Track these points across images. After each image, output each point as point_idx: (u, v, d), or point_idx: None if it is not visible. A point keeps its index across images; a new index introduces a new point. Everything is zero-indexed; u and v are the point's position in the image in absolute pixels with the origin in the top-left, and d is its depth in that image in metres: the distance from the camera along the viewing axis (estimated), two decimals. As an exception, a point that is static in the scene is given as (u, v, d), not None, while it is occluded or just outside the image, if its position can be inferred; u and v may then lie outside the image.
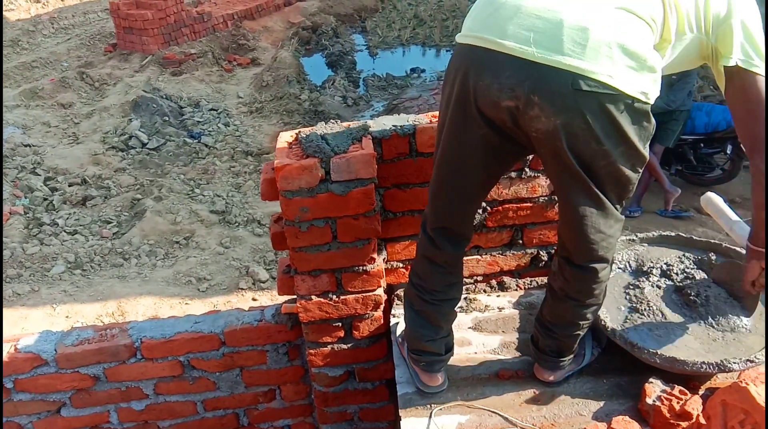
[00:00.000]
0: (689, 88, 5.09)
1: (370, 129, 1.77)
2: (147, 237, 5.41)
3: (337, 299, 1.86)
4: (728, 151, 5.38)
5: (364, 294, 1.87)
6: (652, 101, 1.25)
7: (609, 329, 1.68)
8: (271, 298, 4.64)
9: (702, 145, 5.57)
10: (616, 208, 1.37)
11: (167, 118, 7.35)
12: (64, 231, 5.49)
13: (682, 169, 5.75)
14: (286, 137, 1.80)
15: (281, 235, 1.84)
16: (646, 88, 1.23)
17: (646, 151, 1.30)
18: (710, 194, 2.26)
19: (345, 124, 1.81)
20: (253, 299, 4.63)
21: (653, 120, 1.28)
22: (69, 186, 6.17)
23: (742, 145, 1.40)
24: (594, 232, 1.36)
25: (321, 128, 1.76)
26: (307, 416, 2.29)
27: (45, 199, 5.90)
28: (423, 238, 1.62)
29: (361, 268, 1.82)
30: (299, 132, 1.76)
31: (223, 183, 6.37)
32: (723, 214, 2.29)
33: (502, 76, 1.23)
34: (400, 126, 1.77)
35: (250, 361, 2.12)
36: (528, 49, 1.20)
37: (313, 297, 1.85)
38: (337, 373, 2.01)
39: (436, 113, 1.85)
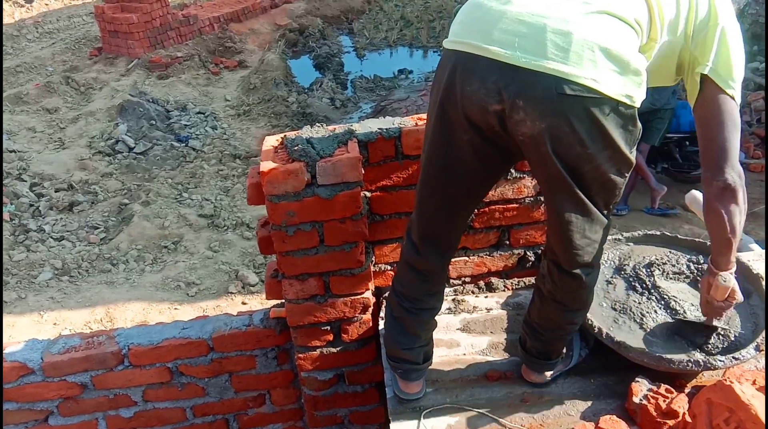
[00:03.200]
0: (674, 86, 5.12)
1: (356, 132, 1.77)
2: (135, 242, 5.38)
3: (325, 303, 1.86)
4: (713, 149, 5.43)
5: (352, 297, 1.86)
6: (637, 105, 1.25)
7: (596, 329, 1.69)
8: (261, 302, 4.63)
9: (687, 142, 5.63)
10: (603, 214, 1.37)
11: (154, 122, 7.31)
12: (51, 237, 5.45)
13: (668, 167, 5.81)
14: (271, 141, 1.80)
15: (268, 240, 1.83)
16: (631, 92, 1.23)
17: (632, 155, 1.30)
18: (694, 192, 2.28)
19: (330, 127, 1.81)
20: (243, 303, 4.62)
21: (639, 124, 1.29)
22: (55, 192, 6.12)
23: (702, 161, 1.40)
24: (579, 238, 1.36)
25: (307, 132, 1.75)
26: (297, 420, 2.29)
27: (31, 205, 5.85)
28: (407, 244, 1.60)
29: (348, 271, 1.82)
30: (285, 136, 1.76)
31: (211, 187, 6.35)
32: (707, 211, 2.30)
33: (488, 81, 1.23)
34: (386, 129, 1.77)
35: (239, 367, 2.11)
36: (513, 54, 1.20)
37: (301, 301, 1.85)
38: (326, 376, 2.01)
39: (423, 116, 1.86)
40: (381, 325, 1.93)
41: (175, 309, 4.62)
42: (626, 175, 1.33)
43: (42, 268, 5.03)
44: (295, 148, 1.66)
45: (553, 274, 1.47)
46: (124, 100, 7.52)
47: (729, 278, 1.48)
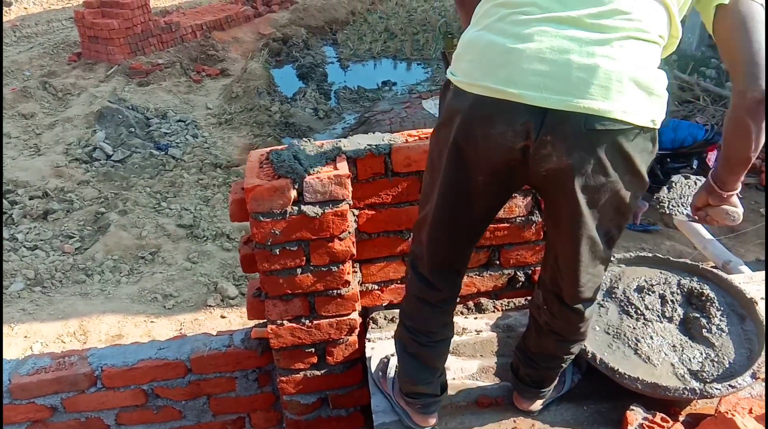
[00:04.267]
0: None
1: (344, 148, 1.71)
2: (111, 252, 5.25)
3: (310, 324, 1.79)
4: (694, 166, 5.48)
5: (338, 318, 1.80)
6: (659, 125, 1.20)
7: (589, 354, 1.64)
8: (240, 315, 4.53)
9: (668, 159, 5.66)
10: (608, 246, 1.32)
11: (133, 130, 7.18)
12: (24, 246, 5.29)
13: (649, 184, 5.83)
14: (256, 156, 1.73)
15: (251, 258, 1.76)
16: (655, 115, 1.18)
17: (646, 176, 1.25)
18: (680, 216, 2.26)
19: (318, 142, 1.75)
20: (222, 316, 4.51)
21: (657, 142, 1.23)
22: (29, 199, 5.96)
23: (732, 75, 1.27)
24: (584, 274, 1.32)
25: (293, 147, 1.69)
26: (277, 444, 2.20)
27: (4, 213, 5.68)
28: (415, 279, 1.50)
29: (335, 291, 1.75)
30: (271, 151, 1.69)
31: (190, 196, 6.23)
32: (697, 233, 2.28)
33: (516, 124, 1.16)
34: (375, 145, 1.72)
35: (218, 389, 2.03)
36: (539, 96, 1.13)
37: (284, 322, 1.77)
38: (309, 400, 1.93)
39: (412, 132, 1.81)
40: (368, 351, 1.85)
41: (152, 322, 4.50)
42: (639, 197, 1.28)
43: (14, 279, 4.87)
44: (282, 164, 1.60)
45: (553, 307, 1.41)
46: (102, 106, 7.38)
47: (737, 212, 1.42)
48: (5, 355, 4.11)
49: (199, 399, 2.04)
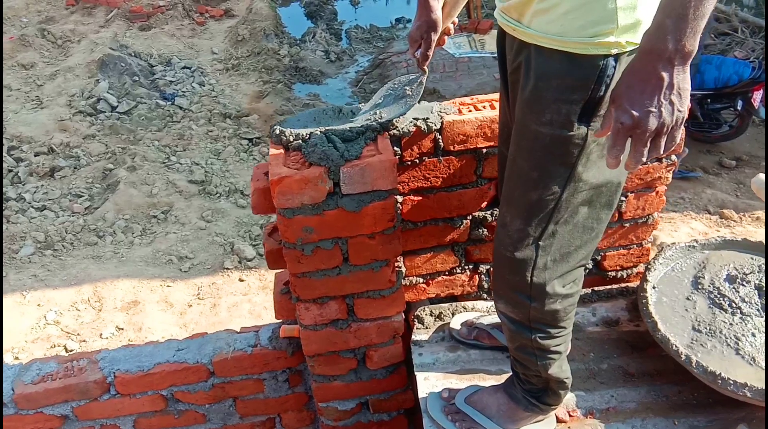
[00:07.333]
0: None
1: (383, 122, 1.42)
2: (122, 211, 5.02)
3: (348, 328, 1.55)
4: (738, 107, 5.08)
5: (380, 321, 1.56)
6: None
7: (683, 356, 1.40)
8: (259, 278, 4.33)
9: (710, 100, 5.26)
10: None
11: (137, 78, 6.84)
12: (32, 207, 5.08)
13: (688, 126, 5.46)
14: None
15: (278, 253, 1.51)
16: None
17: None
18: (762, 176, 1.99)
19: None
20: (240, 280, 4.31)
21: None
22: (35, 156, 5.70)
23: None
24: None
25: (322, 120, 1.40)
26: (311, 443, 2.02)
27: (10, 171, 5.45)
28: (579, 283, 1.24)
29: (377, 292, 1.50)
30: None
31: (200, 149, 5.94)
32: (780, 200, 2.01)
33: None
34: (424, 119, 1.43)
35: (245, 391, 1.82)
36: None
37: (319, 327, 1.54)
38: (348, 406, 1.72)
39: (465, 100, 1.51)
40: (414, 354, 1.62)
41: (168, 286, 4.32)
42: None
43: (23, 242, 4.68)
44: (313, 148, 1.31)
45: None
46: (104, 54, 7.01)
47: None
48: (19, 324, 3.97)
49: (225, 402, 1.84)
